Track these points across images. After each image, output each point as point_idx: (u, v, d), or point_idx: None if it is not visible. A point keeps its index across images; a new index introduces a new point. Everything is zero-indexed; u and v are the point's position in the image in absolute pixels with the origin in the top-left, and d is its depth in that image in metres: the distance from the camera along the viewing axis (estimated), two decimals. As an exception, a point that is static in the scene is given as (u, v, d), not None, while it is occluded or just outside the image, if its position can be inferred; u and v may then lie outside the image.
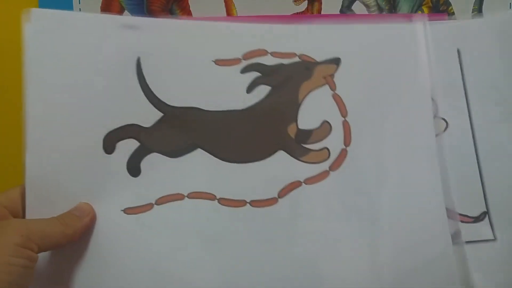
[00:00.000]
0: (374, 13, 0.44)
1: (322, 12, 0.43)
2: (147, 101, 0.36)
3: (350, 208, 0.38)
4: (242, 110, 0.37)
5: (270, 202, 0.37)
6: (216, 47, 0.37)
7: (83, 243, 0.35)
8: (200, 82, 0.37)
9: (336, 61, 0.38)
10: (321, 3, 0.43)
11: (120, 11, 0.42)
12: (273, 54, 0.38)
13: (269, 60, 0.38)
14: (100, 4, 0.42)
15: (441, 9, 0.44)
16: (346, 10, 0.43)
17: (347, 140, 0.38)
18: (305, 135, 0.38)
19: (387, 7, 0.43)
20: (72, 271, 0.35)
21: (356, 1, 0.43)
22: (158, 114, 0.37)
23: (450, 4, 0.44)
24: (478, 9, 0.44)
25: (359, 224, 0.37)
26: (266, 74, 0.38)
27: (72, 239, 0.33)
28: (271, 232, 0.37)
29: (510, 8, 0.45)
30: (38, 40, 0.35)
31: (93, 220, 0.35)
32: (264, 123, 0.38)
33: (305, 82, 0.38)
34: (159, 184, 0.36)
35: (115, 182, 0.36)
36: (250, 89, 0.38)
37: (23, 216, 0.34)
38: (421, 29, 0.40)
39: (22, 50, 0.40)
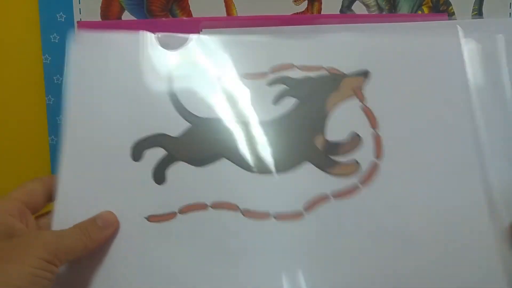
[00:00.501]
0: (374, 13, 0.43)
1: (322, 12, 0.43)
2: (175, 111, 0.38)
3: (382, 226, 0.35)
4: (268, 121, 0.37)
5: (295, 216, 0.35)
6: (245, 61, 0.38)
7: (105, 249, 0.35)
8: (227, 95, 0.38)
9: (364, 74, 0.38)
10: (321, 3, 0.43)
11: (120, 11, 0.44)
12: (300, 67, 0.38)
13: (296, 74, 0.38)
14: (100, 4, 0.43)
15: (441, 9, 0.43)
16: (346, 10, 0.43)
17: (378, 153, 0.36)
18: (333, 147, 0.37)
19: (387, 7, 0.43)
20: (92, 278, 0.35)
21: (356, 1, 0.43)
22: (186, 125, 0.37)
23: (450, 4, 0.43)
24: (478, 9, 0.43)
25: (392, 243, 0.34)
26: (293, 86, 0.38)
27: (93, 250, 0.34)
28: (296, 248, 0.35)
29: (510, 7, 0.43)
30: (78, 57, 0.38)
31: (116, 230, 0.35)
32: (290, 134, 0.37)
33: (332, 93, 0.38)
34: (183, 192, 0.36)
35: (140, 189, 0.36)
36: (276, 100, 0.38)
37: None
38: (455, 39, 0.38)
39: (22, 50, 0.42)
